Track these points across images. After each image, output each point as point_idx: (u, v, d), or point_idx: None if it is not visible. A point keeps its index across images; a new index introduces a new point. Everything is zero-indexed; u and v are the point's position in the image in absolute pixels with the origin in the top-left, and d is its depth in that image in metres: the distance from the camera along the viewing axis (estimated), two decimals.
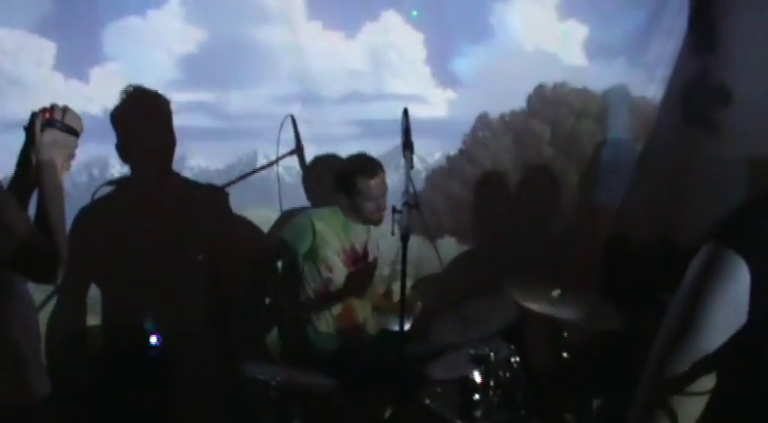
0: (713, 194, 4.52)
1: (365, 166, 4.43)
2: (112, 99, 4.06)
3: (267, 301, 4.67)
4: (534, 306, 3.85)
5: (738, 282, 1.65)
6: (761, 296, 1.64)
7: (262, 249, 4.62)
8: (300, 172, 4.95)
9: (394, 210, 3.98)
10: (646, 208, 4.92)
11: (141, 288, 3.96)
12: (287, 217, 4.75)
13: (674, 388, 1.68)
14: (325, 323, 4.44)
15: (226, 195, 4.40)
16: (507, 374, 3.71)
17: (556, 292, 3.94)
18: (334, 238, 4.43)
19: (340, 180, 4.47)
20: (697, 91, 4.79)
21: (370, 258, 4.59)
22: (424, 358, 4.04)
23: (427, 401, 3.71)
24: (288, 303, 4.59)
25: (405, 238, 3.39)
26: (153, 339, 3.85)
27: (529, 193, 5.34)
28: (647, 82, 5.30)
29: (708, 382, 1.68)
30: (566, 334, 4.05)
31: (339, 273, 4.45)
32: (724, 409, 1.71)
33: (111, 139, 4.05)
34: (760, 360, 1.67)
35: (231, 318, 4.22)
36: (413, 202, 3.47)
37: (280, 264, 4.58)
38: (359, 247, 4.54)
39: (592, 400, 4.01)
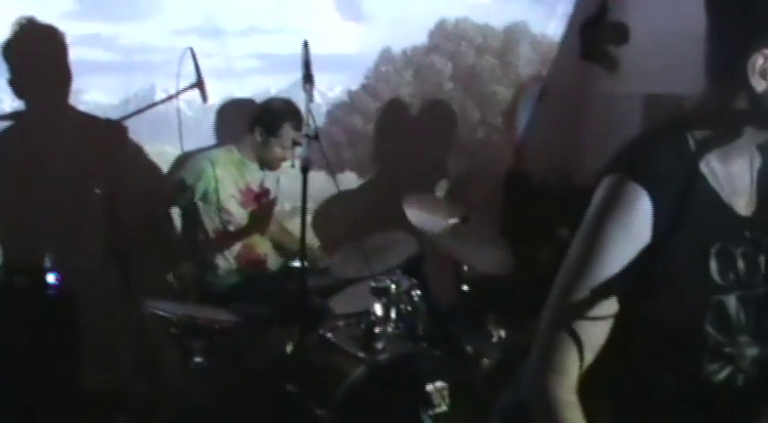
0: (611, 130, 4.62)
1: (295, 115, 4.40)
2: (3, 32, 3.90)
3: (167, 238, 4.63)
4: (433, 237, 3.91)
5: (640, 211, 1.72)
6: (660, 224, 1.72)
7: (160, 188, 4.56)
8: (202, 105, 4.87)
9: (294, 142, 3.98)
10: (545, 144, 5.00)
11: (38, 225, 3.87)
12: (185, 158, 4.68)
13: (576, 313, 1.74)
14: (226, 262, 4.42)
15: (124, 129, 4.30)
16: (408, 307, 3.75)
17: (454, 224, 3.98)
18: (230, 179, 4.42)
19: (263, 121, 4.44)
20: (595, 28, 4.85)
21: (270, 195, 4.57)
22: (326, 293, 4.07)
23: (329, 335, 3.74)
24: (187, 243, 4.56)
25: (305, 170, 3.39)
26: (51, 277, 3.77)
27: (428, 128, 5.35)
28: (548, 18, 5.34)
29: (609, 306, 1.75)
30: (465, 267, 4.12)
31: (237, 213, 4.43)
32: (627, 333, 1.78)
33: (3, 73, 3.91)
34: (659, 285, 1.75)
35: (130, 254, 4.15)
36: (313, 135, 3.46)
37: (178, 204, 4.54)
38: (255, 186, 4.52)
39: (493, 331, 4.10)
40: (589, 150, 4.74)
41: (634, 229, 1.73)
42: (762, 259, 1.83)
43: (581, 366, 1.76)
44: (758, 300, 1.83)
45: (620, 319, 1.76)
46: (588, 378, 1.78)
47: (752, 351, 1.83)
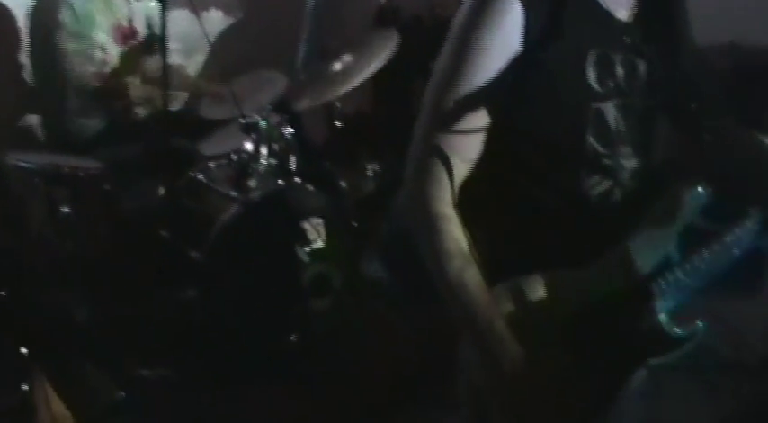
0: None
1: None
2: None
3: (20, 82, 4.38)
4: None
5: (509, 17, 1.66)
6: (532, 31, 1.66)
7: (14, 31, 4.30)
8: None
9: None
10: None
11: None
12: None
13: (447, 124, 1.69)
14: (94, 106, 4.21)
15: None
16: (280, 143, 3.69)
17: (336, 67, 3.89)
18: (100, 16, 4.15)
19: None
20: None
21: (139, 34, 4.34)
22: (196, 134, 3.96)
23: (200, 176, 3.66)
24: (46, 89, 4.34)
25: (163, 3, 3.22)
26: None
27: None
28: None
29: (479, 118, 1.70)
30: (338, 103, 4.06)
31: (112, 52, 4.19)
32: (505, 147, 1.74)
33: None
34: (536, 95, 1.70)
35: None
36: None
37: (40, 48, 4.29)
38: (125, 23, 4.28)
39: (367, 165, 4.09)
40: None
41: (503, 36, 1.66)
42: (641, 66, 1.80)
43: (455, 179, 1.71)
44: (638, 109, 1.81)
45: (496, 133, 1.72)
46: (466, 192, 1.74)
47: (630, 163, 1.82)
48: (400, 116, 3.60)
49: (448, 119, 1.68)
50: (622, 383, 1.79)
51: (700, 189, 1.74)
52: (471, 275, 1.68)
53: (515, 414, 1.71)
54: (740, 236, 1.79)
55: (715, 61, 4.60)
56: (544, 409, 1.70)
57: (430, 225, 1.70)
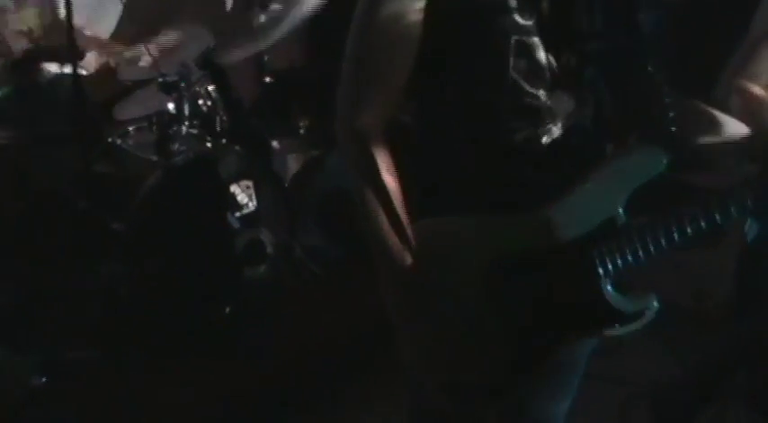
0: None
1: None
2: None
3: None
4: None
5: None
6: None
7: None
8: None
9: None
10: None
11: None
12: None
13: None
14: None
15: None
16: (205, 102, 3.47)
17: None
18: None
19: None
20: None
21: None
22: (112, 101, 3.69)
23: (118, 142, 3.41)
24: None
25: None
26: None
27: None
28: None
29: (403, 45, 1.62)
30: (266, 57, 3.82)
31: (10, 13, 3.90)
32: (430, 89, 1.68)
33: None
34: (459, 25, 1.61)
35: None
36: None
37: None
38: None
39: (299, 123, 3.87)
40: None
41: None
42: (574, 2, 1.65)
43: (381, 104, 1.65)
44: (572, 47, 1.66)
45: (418, 62, 1.62)
46: (392, 127, 1.68)
47: (562, 105, 1.67)
48: (333, 69, 3.38)
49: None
50: (552, 352, 1.67)
51: (657, 151, 1.60)
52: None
53: (426, 348, 1.69)
54: (695, 213, 1.61)
55: None
56: (456, 352, 1.66)
57: (360, 148, 1.66)
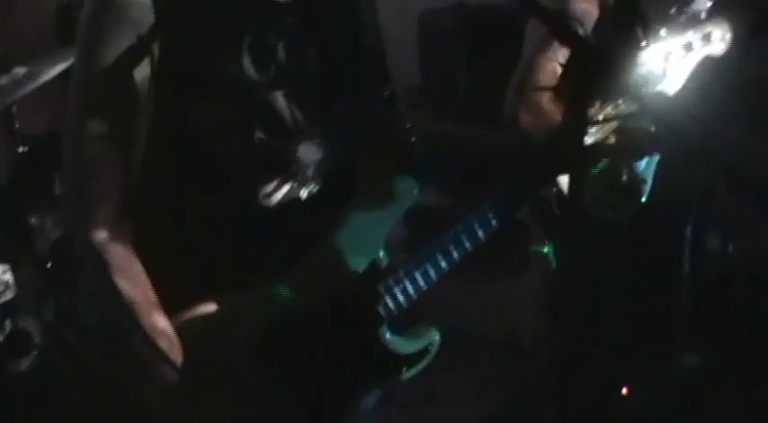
0: None
1: None
2: None
3: None
4: None
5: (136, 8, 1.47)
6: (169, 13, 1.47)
7: None
8: None
9: None
10: None
11: None
12: None
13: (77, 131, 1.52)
14: None
15: None
16: None
17: None
18: None
19: None
20: None
21: None
22: None
23: None
24: None
25: None
26: None
27: None
28: None
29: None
30: (17, 124, 3.50)
31: None
32: (179, 160, 1.57)
33: None
34: (186, 83, 1.50)
35: None
36: None
37: None
38: None
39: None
40: None
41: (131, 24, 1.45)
42: (310, 50, 1.58)
43: (116, 188, 1.53)
44: (313, 96, 1.59)
45: (161, 139, 1.53)
46: (137, 203, 1.57)
47: (314, 155, 1.60)
48: None
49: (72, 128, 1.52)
50: (345, 412, 1.61)
51: (411, 180, 1.60)
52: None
53: None
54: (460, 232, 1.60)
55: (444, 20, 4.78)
56: None
57: (93, 252, 1.52)
